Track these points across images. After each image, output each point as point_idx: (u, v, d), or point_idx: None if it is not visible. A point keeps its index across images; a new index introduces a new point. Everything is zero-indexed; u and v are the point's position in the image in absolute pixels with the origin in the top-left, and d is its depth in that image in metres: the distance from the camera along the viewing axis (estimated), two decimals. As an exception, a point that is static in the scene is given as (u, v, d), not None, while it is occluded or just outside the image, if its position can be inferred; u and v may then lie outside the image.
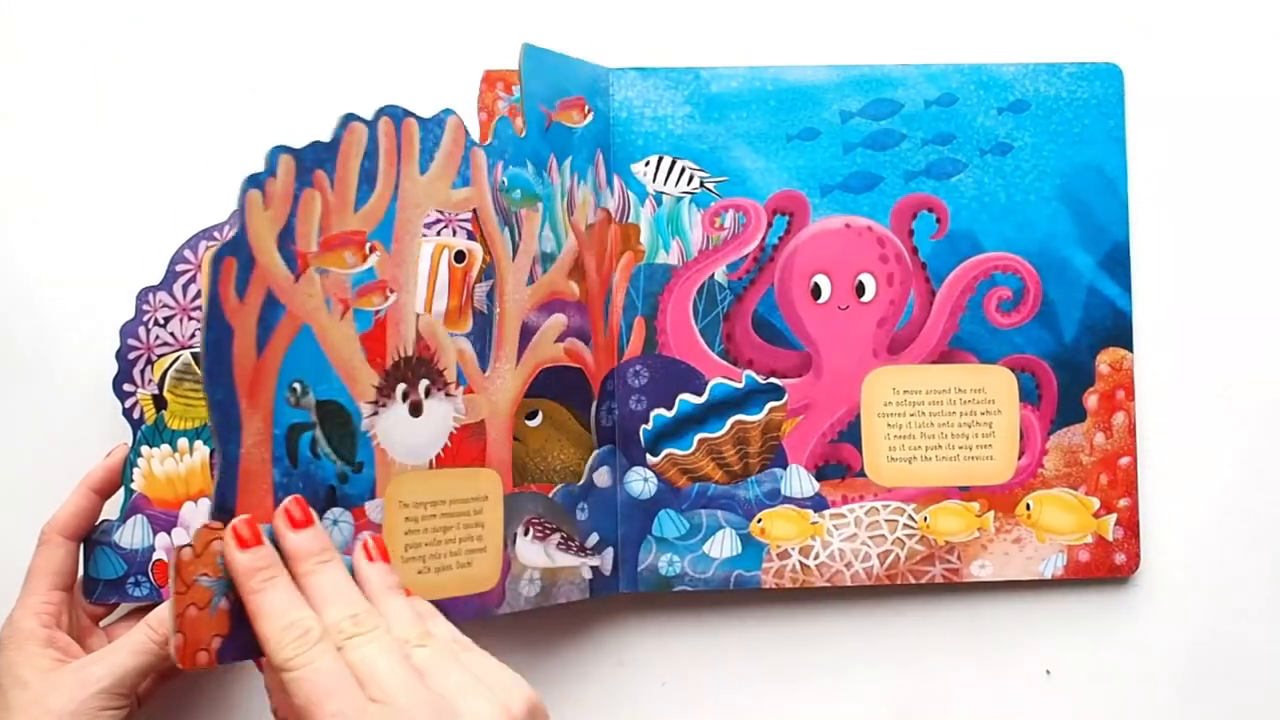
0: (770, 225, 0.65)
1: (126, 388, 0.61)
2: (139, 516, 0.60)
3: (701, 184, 0.65)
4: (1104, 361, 0.66)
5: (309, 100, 0.66)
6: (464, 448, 0.56)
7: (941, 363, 0.66)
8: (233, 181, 0.48)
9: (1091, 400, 0.66)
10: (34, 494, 0.61)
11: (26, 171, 0.66)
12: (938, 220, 0.66)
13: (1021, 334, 0.66)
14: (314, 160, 0.50)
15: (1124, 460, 0.66)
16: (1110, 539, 0.66)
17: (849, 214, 0.65)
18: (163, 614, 0.54)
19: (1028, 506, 0.66)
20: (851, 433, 0.65)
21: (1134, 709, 0.68)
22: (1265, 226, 0.69)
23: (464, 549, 0.55)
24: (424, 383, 0.54)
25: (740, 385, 0.65)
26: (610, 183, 0.64)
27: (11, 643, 0.55)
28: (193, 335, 0.61)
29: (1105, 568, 0.66)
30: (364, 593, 0.48)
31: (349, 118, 0.51)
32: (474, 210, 0.56)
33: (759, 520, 0.65)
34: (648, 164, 0.65)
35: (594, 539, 0.63)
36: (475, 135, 0.58)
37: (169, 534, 0.60)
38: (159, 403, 0.61)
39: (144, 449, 0.61)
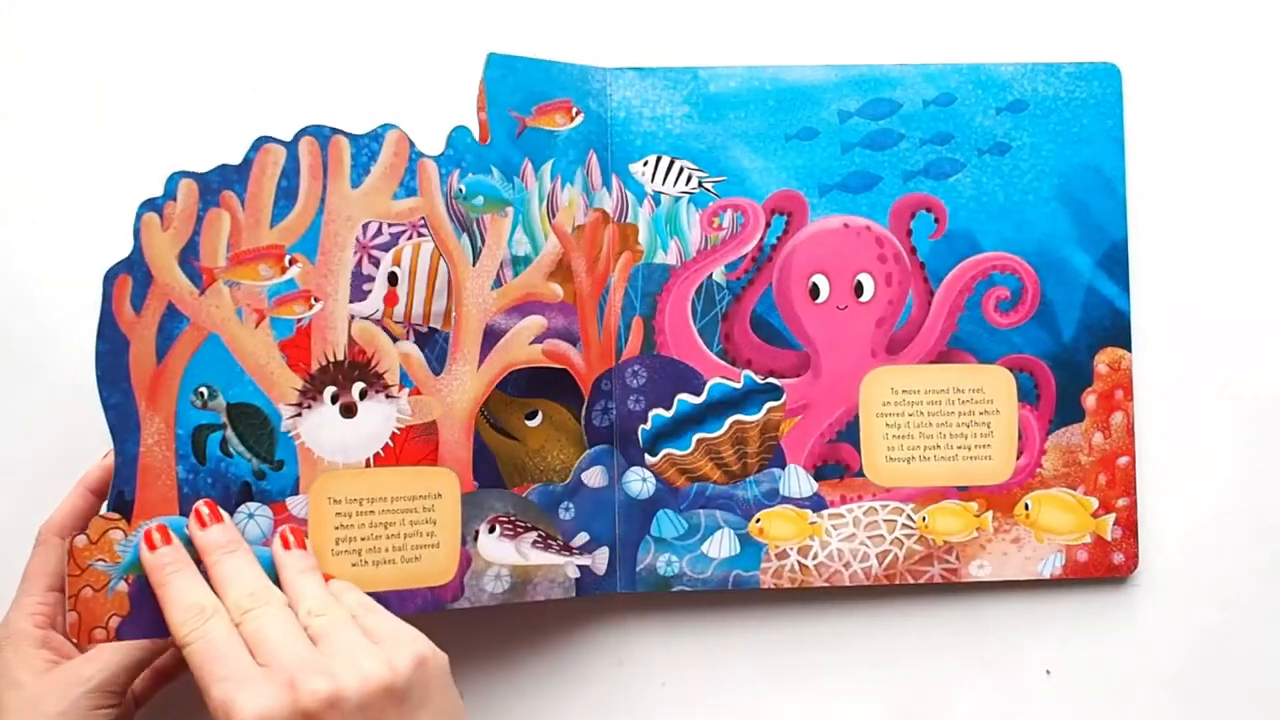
0: (769, 225, 0.65)
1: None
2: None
3: (700, 184, 0.65)
4: (1102, 361, 0.66)
5: (309, 100, 0.66)
6: (410, 447, 0.59)
7: (940, 363, 0.66)
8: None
9: (1090, 400, 0.66)
10: (33, 494, 0.61)
11: (26, 171, 0.66)
12: (936, 220, 0.66)
13: (1020, 334, 0.66)
14: (221, 182, 0.55)
15: (1122, 460, 0.66)
16: (1109, 539, 0.66)
17: (847, 214, 0.65)
18: None
19: (1026, 506, 0.66)
20: (850, 433, 0.65)
21: (1133, 709, 0.68)
22: (1264, 227, 0.69)
23: (410, 544, 0.58)
24: (358, 385, 0.58)
25: (739, 385, 0.65)
26: (608, 183, 0.64)
27: (7, 644, 0.55)
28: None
29: (1104, 567, 0.66)
30: (281, 577, 0.53)
31: (261, 140, 0.56)
32: (423, 219, 0.59)
33: (757, 520, 0.65)
34: (646, 164, 0.65)
35: (583, 538, 0.63)
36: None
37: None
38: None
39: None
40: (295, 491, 0.56)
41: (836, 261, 0.65)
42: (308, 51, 0.67)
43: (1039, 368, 0.66)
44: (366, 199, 0.58)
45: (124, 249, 0.56)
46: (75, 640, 0.53)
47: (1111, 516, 0.66)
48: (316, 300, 0.57)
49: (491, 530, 0.61)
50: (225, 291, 0.55)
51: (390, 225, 0.59)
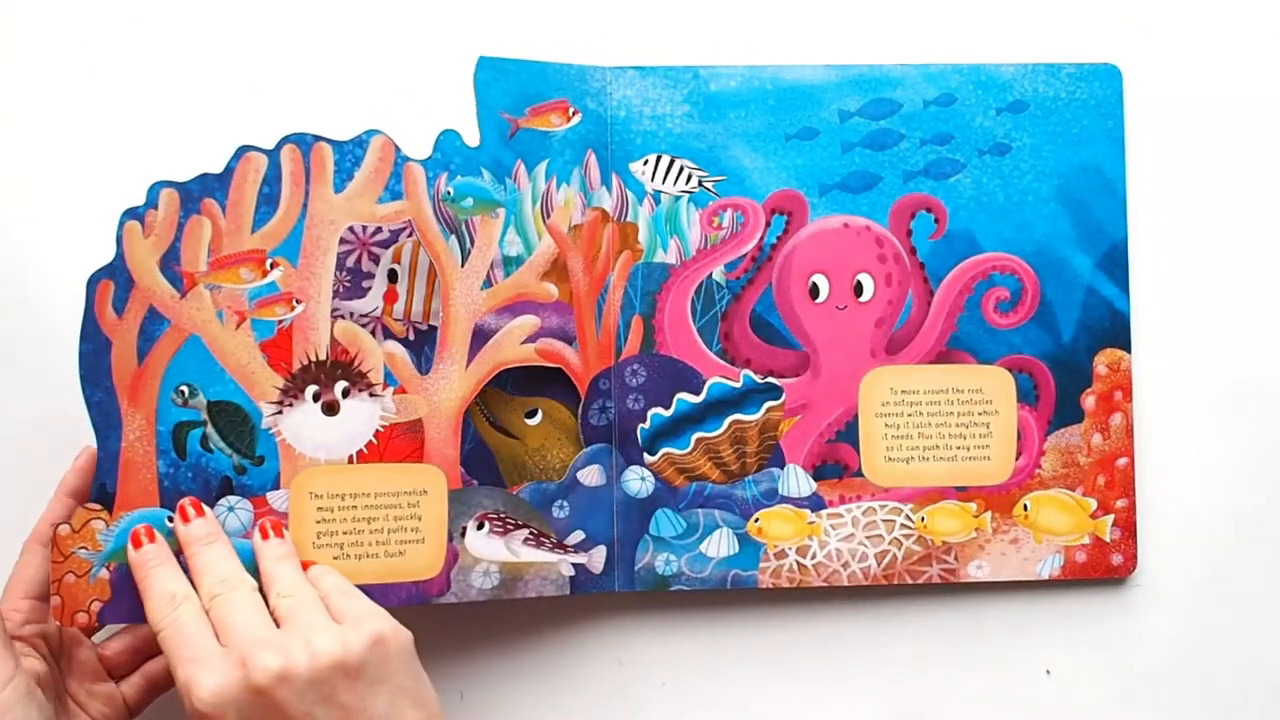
0: (768, 225, 0.65)
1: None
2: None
3: (700, 183, 0.65)
4: (1102, 362, 0.66)
5: (309, 100, 0.66)
6: (394, 445, 0.60)
7: (939, 363, 0.66)
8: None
9: (1089, 401, 0.66)
10: (33, 494, 0.61)
11: (26, 171, 0.66)
12: (936, 220, 0.66)
13: (1019, 334, 0.66)
14: (202, 190, 0.58)
15: (1121, 461, 0.66)
16: (1107, 540, 0.66)
17: (847, 214, 0.65)
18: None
19: (1025, 507, 0.66)
20: (849, 433, 0.65)
21: (1133, 709, 0.68)
22: (1264, 227, 0.69)
23: (394, 539, 0.60)
24: (341, 384, 0.60)
25: (738, 385, 0.65)
26: (607, 182, 0.64)
27: None
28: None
29: (1102, 568, 0.66)
30: (259, 564, 0.56)
31: (243, 149, 0.58)
32: (409, 221, 0.61)
33: (756, 520, 0.65)
34: (646, 163, 0.65)
35: (578, 536, 0.63)
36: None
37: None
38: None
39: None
40: (276, 486, 0.59)
41: (836, 261, 0.65)
42: (308, 51, 0.67)
43: (1038, 368, 0.66)
44: (350, 203, 0.60)
45: (107, 248, 0.58)
46: (61, 621, 0.56)
47: (1110, 517, 0.66)
48: (298, 302, 0.59)
49: (480, 527, 0.61)
50: (206, 295, 0.58)
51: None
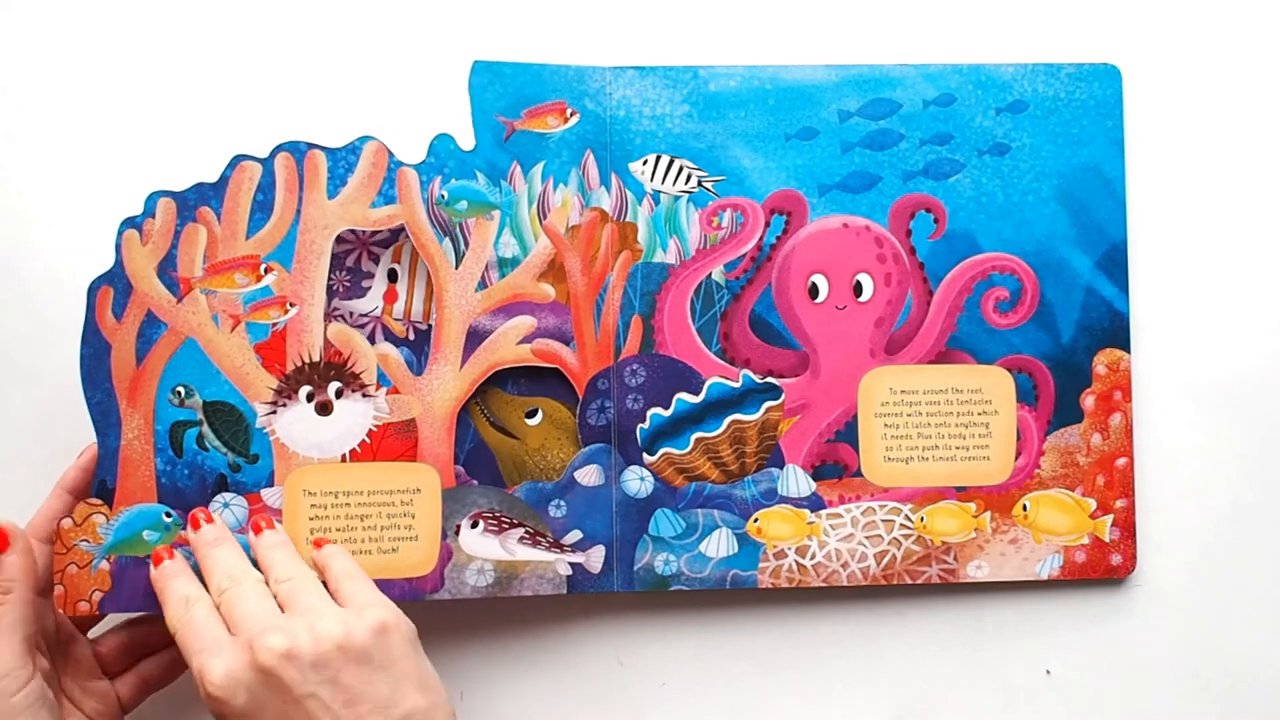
0: (768, 225, 0.65)
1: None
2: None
3: (699, 183, 0.65)
4: (1101, 362, 0.66)
5: (305, 108, 0.66)
6: (388, 444, 0.62)
7: (939, 363, 0.66)
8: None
9: (1089, 401, 0.66)
10: (33, 494, 0.61)
11: (26, 171, 0.66)
12: (935, 220, 0.65)
13: (1019, 334, 0.66)
14: (198, 199, 0.60)
15: (1121, 461, 0.66)
16: (1107, 540, 0.66)
17: (847, 214, 0.65)
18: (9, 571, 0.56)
19: (1024, 507, 0.66)
20: (848, 432, 0.65)
21: (1132, 709, 0.68)
22: (1263, 228, 0.69)
23: (387, 536, 0.62)
24: (334, 385, 0.61)
25: (737, 385, 0.65)
26: (606, 182, 0.64)
27: None
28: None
29: (1102, 569, 0.66)
30: (256, 555, 0.58)
31: (238, 158, 0.60)
32: (402, 225, 0.62)
33: (755, 520, 0.65)
34: (645, 163, 0.65)
35: (575, 536, 0.63)
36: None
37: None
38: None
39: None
40: (270, 484, 0.61)
41: (836, 261, 0.65)
42: (307, 51, 0.67)
43: (1038, 368, 0.66)
44: (344, 208, 0.61)
45: (106, 254, 0.60)
46: (61, 610, 0.59)
47: (1109, 518, 0.66)
48: (292, 305, 0.61)
49: (475, 525, 0.62)
50: (202, 299, 0.60)
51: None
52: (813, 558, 0.65)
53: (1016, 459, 0.66)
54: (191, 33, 0.66)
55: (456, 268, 0.63)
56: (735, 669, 0.67)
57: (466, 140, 0.63)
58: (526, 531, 0.62)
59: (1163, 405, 0.68)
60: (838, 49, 0.68)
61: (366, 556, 0.61)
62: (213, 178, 0.61)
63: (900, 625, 0.67)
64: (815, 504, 0.65)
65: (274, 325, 0.61)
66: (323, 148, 0.61)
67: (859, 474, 0.65)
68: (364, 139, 0.62)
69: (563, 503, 0.63)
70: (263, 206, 0.61)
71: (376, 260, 0.63)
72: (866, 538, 0.65)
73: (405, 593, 0.61)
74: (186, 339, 0.60)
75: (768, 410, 0.65)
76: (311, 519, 0.61)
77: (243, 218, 0.61)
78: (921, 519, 0.65)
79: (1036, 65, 0.66)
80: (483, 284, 0.63)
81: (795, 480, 0.65)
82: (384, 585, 0.60)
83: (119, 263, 0.60)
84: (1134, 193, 0.67)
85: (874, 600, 0.67)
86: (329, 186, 0.61)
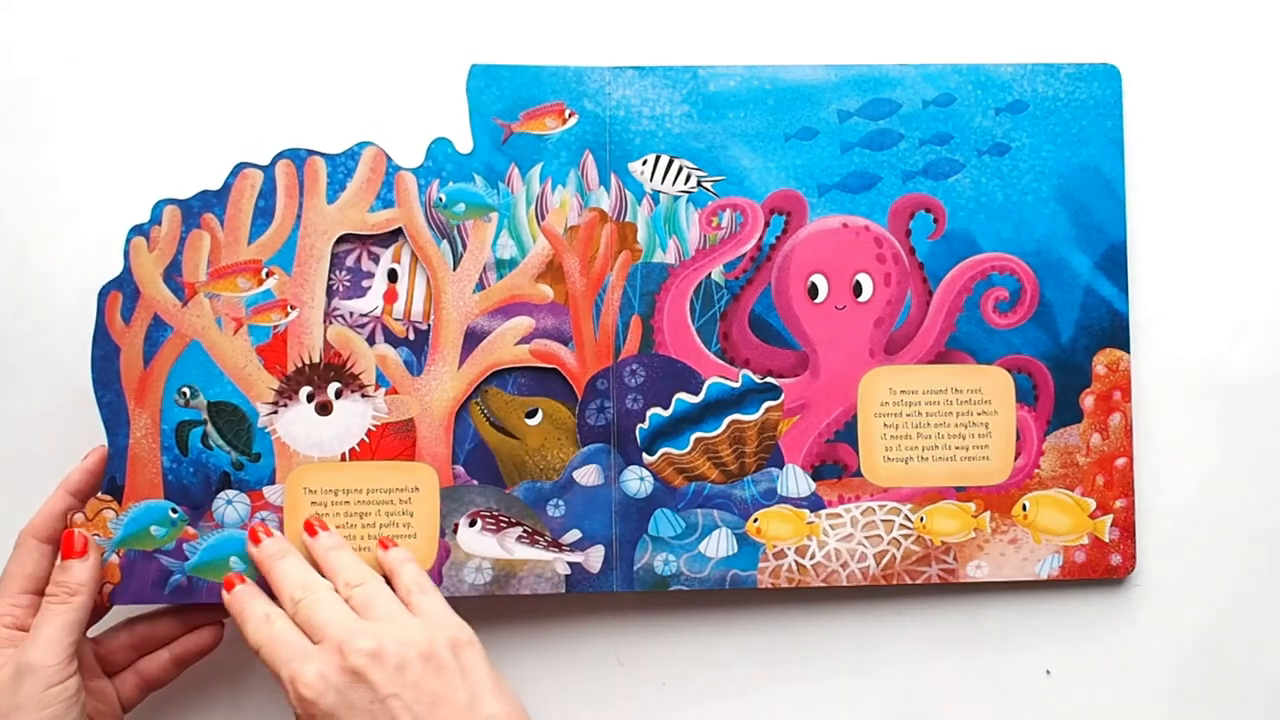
0: (768, 225, 0.65)
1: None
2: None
3: (699, 183, 0.65)
4: (1101, 362, 0.66)
5: (305, 114, 0.66)
6: (386, 443, 0.63)
7: (938, 363, 0.66)
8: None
9: (1088, 401, 0.66)
10: (33, 495, 0.61)
11: (26, 171, 0.66)
12: (935, 220, 0.65)
13: (1018, 334, 0.66)
14: (202, 206, 0.62)
15: (1120, 461, 0.66)
16: (1106, 540, 0.66)
17: (846, 214, 0.65)
18: (60, 578, 0.58)
19: (1024, 507, 0.66)
20: (848, 432, 0.65)
21: (1132, 709, 0.68)
22: (1263, 228, 0.69)
23: (386, 534, 0.62)
24: (334, 385, 0.63)
25: (737, 385, 0.65)
26: (606, 182, 0.64)
27: None
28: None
29: (1101, 569, 0.66)
30: (315, 558, 0.60)
31: (240, 166, 0.62)
32: (401, 228, 0.63)
33: (755, 520, 0.65)
34: (645, 163, 0.65)
35: (574, 535, 0.63)
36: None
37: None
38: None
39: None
40: (272, 481, 0.62)
41: (835, 261, 0.65)
42: (307, 51, 0.67)
43: (1037, 368, 0.66)
44: (342, 213, 0.63)
45: (112, 259, 0.62)
46: None
47: (1109, 517, 0.66)
48: (293, 308, 0.63)
49: (472, 524, 0.63)
50: (206, 303, 0.62)
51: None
52: (812, 558, 0.65)
53: (1016, 459, 0.66)
54: (193, 46, 0.67)
55: (454, 269, 0.63)
56: (735, 669, 0.67)
57: (464, 143, 0.63)
58: (524, 531, 0.63)
59: (1162, 405, 0.68)
60: (837, 49, 0.68)
61: (365, 554, 0.62)
62: (216, 185, 0.62)
63: (900, 625, 0.67)
64: (815, 504, 0.65)
65: (275, 328, 0.63)
66: (322, 154, 0.63)
67: (858, 474, 0.65)
68: (362, 144, 0.63)
69: (561, 502, 0.63)
70: (264, 212, 0.62)
71: (376, 260, 0.63)
72: (866, 538, 0.65)
73: None
74: (191, 341, 0.62)
75: (767, 410, 0.65)
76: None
77: (245, 223, 0.62)
78: (921, 519, 0.65)
79: (1036, 65, 0.66)
80: (481, 285, 0.63)
81: (795, 480, 0.65)
82: None
83: (127, 268, 0.62)
84: (1133, 193, 0.67)
85: (874, 600, 0.67)
86: (328, 192, 0.63)
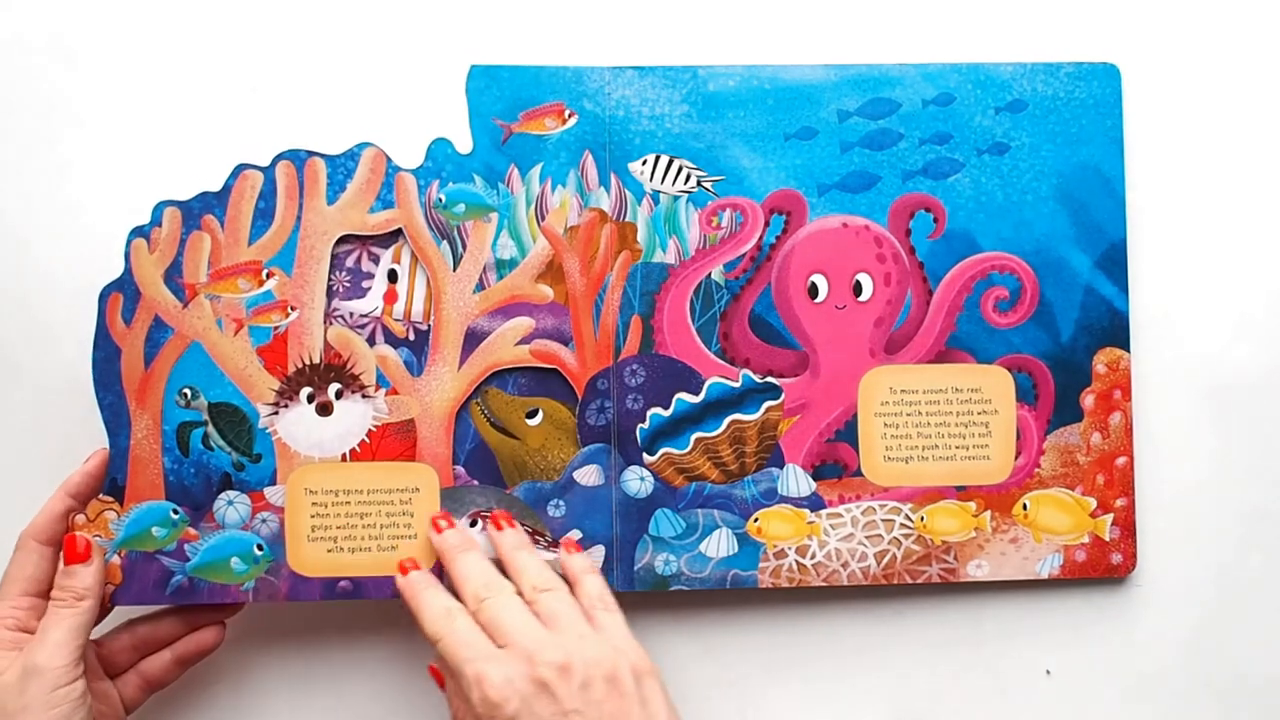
0: (767, 224, 0.65)
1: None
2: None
3: (699, 183, 0.65)
4: (1101, 361, 0.66)
5: (309, 100, 0.66)
6: (387, 444, 0.63)
7: (938, 362, 0.66)
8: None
9: (1088, 400, 0.66)
10: (33, 496, 0.61)
11: (26, 172, 0.66)
12: (935, 220, 0.65)
13: (1018, 334, 0.66)
14: (202, 207, 0.62)
15: (1120, 460, 0.66)
16: (1107, 539, 0.66)
17: (846, 213, 0.65)
18: (66, 582, 0.58)
19: (1024, 506, 0.66)
20: (848, 432, 0.65)
21: (1133, 709, 0.68)
22: (1262, 227, 0.69)
23: (387, 534, 0.63)
24: (334, 386, 0.63)
25: (737, 384, 0.65)
26: (605, 182, 0.64)
27: None
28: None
29: (1102, 568, 0.66)
30: (500, 553, 0.60)
31: (240, 167, 0.62)
32: (400, 229, 0.63)
33: (755, 520, 0.65)
34: (645, 163, 0.65)
35: (574, 536, 0.63)
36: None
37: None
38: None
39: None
40: (272, 482, 0.63)
41: (835, 261, 0.65)
42: (307, 52, 0.67)
43: (1037, 368, 0.66)
44: (342, 214, 0.63)
45: (113, 260, 0.62)
46: None
47: (1109, 516, 0.66)
48: (293, 309, 0.63)
49: (473, 524, 0.63)
50: (206, 304, 0.62)
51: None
52: (813, 557, 0.65)
53: (1016, 458, 0.66)
54: (193, 47, 0.67)
55: (454, 270, 0.63)
56: (736, 669, 0.67)
57: (464, 144, 0.63)
58: (525, 531, 0.63)
59: (1162, 404, 0.68)
60: (837, 49, 0.68)
61: (366, 554, 0.62)
62: (216, 186, 0.62)
63: (900, 625, 0.67)
64: (815, 504, 0.65)
65: (275, 329, 0.63)
66: (322, 155, 0.63)
67: (859, 473, 0.65)
68: (362, 145, 0.63)
69: (561, 502, 0.63)
70: (264, 214, 0.62)
71: (376, 261, 0.63)
72: (866, 537, 0.65)
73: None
74: (192, 343, 0.62)
75: (767, 410, 0.65)
76: (312, 516, 0.62)
77: (245, 225, 0.62)
78: (921, 518, 0.65)
79: (1036, 64, 0.66)
80: (481, 285, 0.63)
81: (795, 480, 0.65)
82: (384, 582, 0.62)
83: (128, 270, 0.62)
84: (1133, 192, 0.67)
85: (874, 600, 0.67)
86: (328, 193, 0.63)
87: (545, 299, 0.63)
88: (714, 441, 0.65)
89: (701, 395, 0.65)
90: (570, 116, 0.64)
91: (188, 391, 0.62)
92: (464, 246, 0.63)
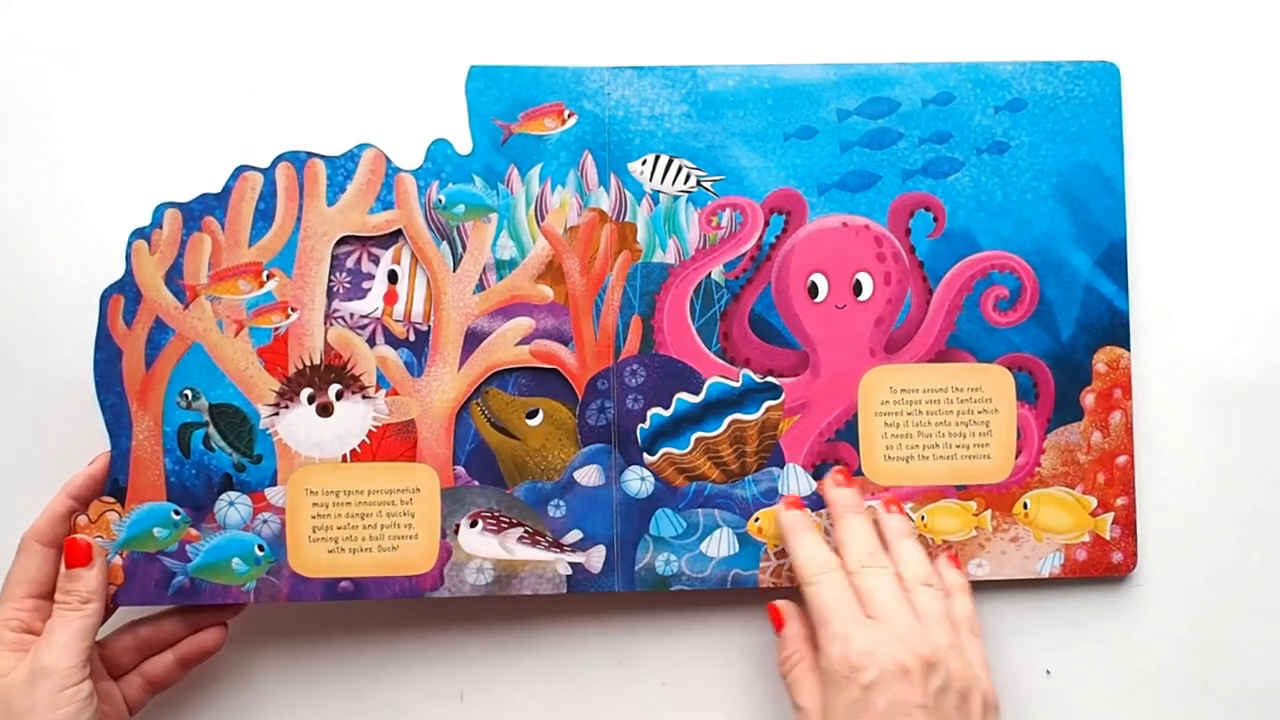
0: (767, 224, 0.65)
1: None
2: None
3: (699, 183, 0.65)
4: (1101, 360, 0.66)
5: (309, 100, 0.67)
6: (387, 444, 0.63)
7: (939, 361, 0.66)
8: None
9: (1089, 399, 0.66)
10: (33, 496, 0.61)
11: (26, 172, 0.66)
12: (935, 219, 0.65)
13: (1019, 333, 0.66)
14: (202, 209, 0.62)
15: (1121, 459, 0.66)
16: (1107, 538, 0.66)
17: (846, 213, 0.65)
18: (71, 586, 0.59)
19: (1025, 505, 0.66)
20: (849, 431, 0.65)
21: (1133, 709, 0.68)
22: (1262, 225, 0.69)
23: (387, 535, 0.63)
24: (335, 387, 0.63)
25: (737, 384, 0.65)
26: (605, 182, 0.64)
27: None
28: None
29: (1103, 567, 0.66)
30: (883, 536, 0.62)
31: (240, 169, 0.62)
32: (400, 229, 0.63)
33: (756, 519, 0.65)
34: (644, 163, 0.65)
35: (575, 536, 0.63)
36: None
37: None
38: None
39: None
40: (273, 483, 0.63)
41: (835, 260, 0.65)
42: (308, 52, 0.67)
43: (1038, 367, 0.66)
44: (342, 215, 0.63)
45: (113, 261, 0.62)
46: None
47: (1110, 515, 0.66)
48: (293, 310, 0.63)
49: (474, 525, 0.63)
50: (207, 305, 0.62)
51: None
52: (813, 557, 0.65)
53: (1017, 457, 0.66)
54: (193, 48, 0.67)
55: (454, 270, 0.63)
56: (736, 669, 0.67)
57: (464, 144, 0.64)
58: (525, 531, 0.63)
59: (1163, 402, 0.68)
60: (836, 48, 0.68)
61: (367, 554, 0.62)
62: (217, 188, 0.62)
63: (901, 624, 0.67)
64: (816, 503, 0.65)
65: (276, 330, 0.63)
66: (322, 156, 0.63)
67: (859, 473, 0.65)
68: (362, 146, 0.63)
69: (562, 503, 0.63)
70: (264, 215, 0.63)
71: (376, 262, 0.63)
72: (867, 537, 0.65)
73: (406, 590, 0.63)
74: (193, 344, 0.62)
75: (768, 410, 0.65)
76: (313, 517, 0.63)
77: (245, 226, 0.62)
78: (922, 518, 0.65)
79: (1035, 63, 0.66)
80: (481, 286, 0.63)
81: (796, 479, 0.65)
82: (384, 583, 0.63)
83: (129, 271, 0.62)
84: (1133, 190, 0.67)
85: (875, 599, 0.67)
86: (328, 194, 0.63)
87: (545, 299, 0.63)
88: (714, 441, 0.65)
89: (702, 395, 0.65)
90: (570, 117, 0.64)
91: (189, 393, 0.62)
92: (464, 247, 0.63)
